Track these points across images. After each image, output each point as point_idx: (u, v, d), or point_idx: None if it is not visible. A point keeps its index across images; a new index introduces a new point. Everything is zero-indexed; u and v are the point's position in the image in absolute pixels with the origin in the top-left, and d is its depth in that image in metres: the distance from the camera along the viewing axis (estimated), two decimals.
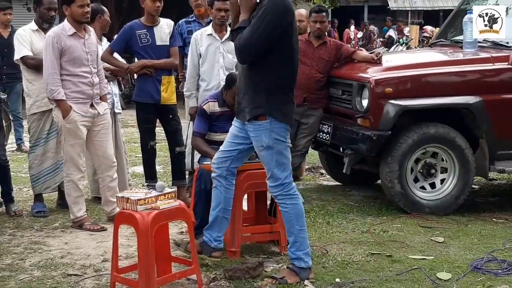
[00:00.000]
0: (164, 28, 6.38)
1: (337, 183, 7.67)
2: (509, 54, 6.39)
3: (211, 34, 6.41)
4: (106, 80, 6.16)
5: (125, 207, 4.17)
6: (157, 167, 7.00)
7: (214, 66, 6.40)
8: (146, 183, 6.54)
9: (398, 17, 24.82)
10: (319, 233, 5.68)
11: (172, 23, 6.55)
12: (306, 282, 4.44)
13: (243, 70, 4.49)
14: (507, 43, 6.55)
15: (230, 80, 5.31)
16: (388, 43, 21.31)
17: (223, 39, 6.40)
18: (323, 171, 8.12)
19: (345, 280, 4.53)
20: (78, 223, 5.78)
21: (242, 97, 4.50)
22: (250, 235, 5.25)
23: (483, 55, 6.55)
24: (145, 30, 6.32)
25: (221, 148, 4.74)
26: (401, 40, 20.43)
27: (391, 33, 22.18)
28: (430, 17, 27.61)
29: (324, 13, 6.81)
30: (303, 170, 7.86)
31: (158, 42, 6.34)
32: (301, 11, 7.69)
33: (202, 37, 6.43)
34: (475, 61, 6.51)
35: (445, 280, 4.57)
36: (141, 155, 6.80)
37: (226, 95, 5.33)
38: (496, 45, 6.67)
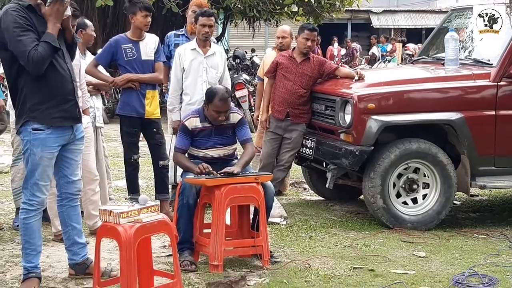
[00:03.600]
0: (150, 43, 6.40)
1: (320, 198, 7.69)
2: (490, 72, 6.46)
3: (195, 49, 6.44)
4: (88, 94, 6.14)
5: (107, 220, 4.16)
6: (140, 181, 6.97)
7: (197, 80, 6.43)
8: (129, 197, 6.52)
9: (381, 35, 24.95)
10: (302, 247, 5.69)
11: (158, 38, 6.57)
12: None
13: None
14: (488, 60, 6.63)
15: (211, 93, 5.31)
16: (371, 61, 21.45)
17: (207, 54, 6.44)
18: (306, 186, 8.13)
19: None
20: (59, 237, 5.73)
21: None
22: (232, 249, 5.24)
23: (465, 72, 6.62)
24: (131, 45, 6.33)
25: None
26: (388, 57, 20.57)
27: (374, 50, 22.33)
28: (413, 35, 27.84)
29: (316, 32, 6.87)
30: (286, 185, 7.88)
31: (144, 57, 6.35)
32: (284, 28, 7.74)
33: (186, 52, 6.45)
34: (457, 78, 6.57)
35: None
36: (123, 169, 6.77)
37: (207, 109, 5.33)
38: (477, 63, 6.75)
